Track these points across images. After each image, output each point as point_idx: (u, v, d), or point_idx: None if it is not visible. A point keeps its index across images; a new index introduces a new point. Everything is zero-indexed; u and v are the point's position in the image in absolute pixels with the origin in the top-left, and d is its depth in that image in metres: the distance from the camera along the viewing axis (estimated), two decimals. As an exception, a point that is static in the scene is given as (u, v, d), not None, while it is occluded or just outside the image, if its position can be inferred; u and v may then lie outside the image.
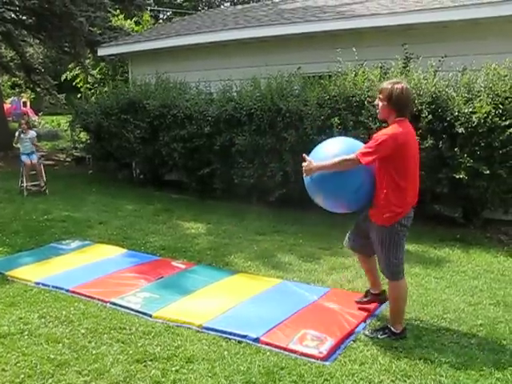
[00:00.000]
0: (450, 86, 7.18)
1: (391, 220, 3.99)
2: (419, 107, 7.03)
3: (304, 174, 4.23)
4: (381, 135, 3.95)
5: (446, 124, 7.04)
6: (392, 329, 4.13)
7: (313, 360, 3.76)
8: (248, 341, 4.04)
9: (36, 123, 21.99)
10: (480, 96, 6.84)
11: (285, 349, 3.91)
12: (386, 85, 4.04)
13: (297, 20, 9.70)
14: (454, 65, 7.32)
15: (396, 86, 3.98)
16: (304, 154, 4.24)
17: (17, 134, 10.40)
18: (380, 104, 4.07)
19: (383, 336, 4.11)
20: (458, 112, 6.88)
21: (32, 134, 10.61)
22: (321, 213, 8.37)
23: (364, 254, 4.55)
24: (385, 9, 9.03)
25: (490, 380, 3.50)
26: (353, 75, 7.84)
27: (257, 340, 4.03)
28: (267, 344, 3.98)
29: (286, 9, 11.51)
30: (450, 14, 8.04)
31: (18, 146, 10.53)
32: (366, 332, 4.22)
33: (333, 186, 4.13)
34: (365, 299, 4.71)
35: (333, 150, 4.17)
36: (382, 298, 4.64)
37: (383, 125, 7.17)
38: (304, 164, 4.19)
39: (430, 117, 6.94)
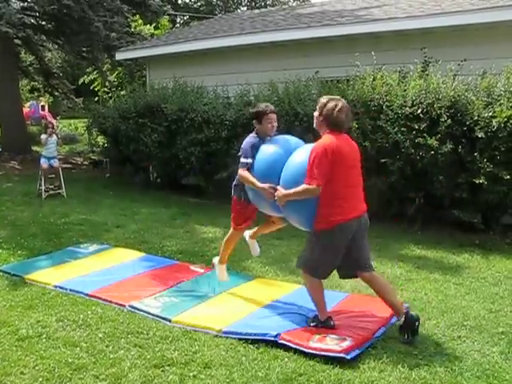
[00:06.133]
0: (469, 90, 7.11)
1: (320, 226, 4.13)
2: (438, 111, 6.97)
3: (278, 203, 4.33)
4: (315, 152, 4.04)
5: (465, 128, 6.97)
6: (318, 316, 4.34)
7: (335, 357, 3.74)
8: (268, 338, 4.04)
9: (55, 127, 22.20)
10: (500, 100, 6.77)
11: (305, 347, 3.90)
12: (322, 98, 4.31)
13: (314, 24, 9.69)
14: (473, 69, 7.26)
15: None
16: (274, 185, 4.35)
17: (44, 136, 10.45)
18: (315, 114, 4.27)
19: (313, 323, 4.32)
20: (478, 116, 6.81)
21: (56, 137, 10.67)
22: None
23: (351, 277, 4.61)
24: (403, 12, 8.99)
25: (512, 389, 3.44)
26: (371, 79, 7.79)
27: (277, 336, 4.03)
28: (288, 341, 3.97)
29: (303, 13, 11.52)
30: (469, 18, 8.00)
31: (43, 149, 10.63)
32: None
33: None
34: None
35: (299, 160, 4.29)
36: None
37: (402, 129, 7.21)
38: (276, 193, 4.30)
39: (449, 121, 6.88)
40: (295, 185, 4.13)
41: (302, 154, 4.31)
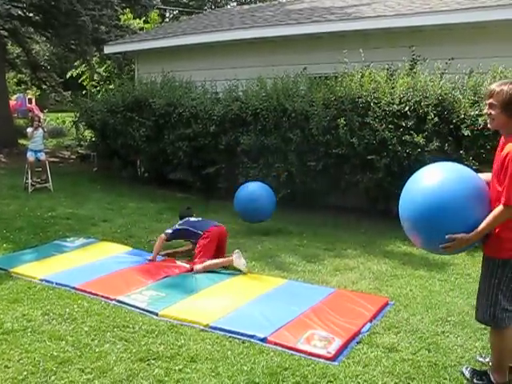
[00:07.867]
0: (456, 89, 7.17)
1: (508, 253, 3.21)
2: (425, 109, 7.02)
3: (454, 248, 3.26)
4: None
5: (451, 126, 7.03)
6: (491, 377, 3.45)
7: (321, 360, 3.75)
8: (255, 341, 4.03)
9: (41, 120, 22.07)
10: (486, 99, 6.82)
11: (293, 349, 3.90)
12: (499, 86, 3.17)
13: (304, 21, 9.70)
14: (460, 67, 7.31)
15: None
16: (449, 235, 3.17)
17: (30, 130, 10.40)
18: (492, 112, 3.19)
19: (479, 382, 3.48)
20: (464, 114, 6.87)
21: (42, 131, 10.62)
22: (325, 213, 8.42)
23: None
24: (391, 10, 9.02)
25: None
26: (359, 76, 7.83)
27: (264, 340, 4.03)
28: (275, 344, 3.98)
29: (292, 9, 11.51)
30: (456, 17, 8.03)
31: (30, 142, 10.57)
32: (465, 371, 3.59)
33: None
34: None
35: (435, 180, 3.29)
36: None
37: (389, 126, 7.24)
38: (451, 244, 3.19)
39: (435, 119, 6.93)
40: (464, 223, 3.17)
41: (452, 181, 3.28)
